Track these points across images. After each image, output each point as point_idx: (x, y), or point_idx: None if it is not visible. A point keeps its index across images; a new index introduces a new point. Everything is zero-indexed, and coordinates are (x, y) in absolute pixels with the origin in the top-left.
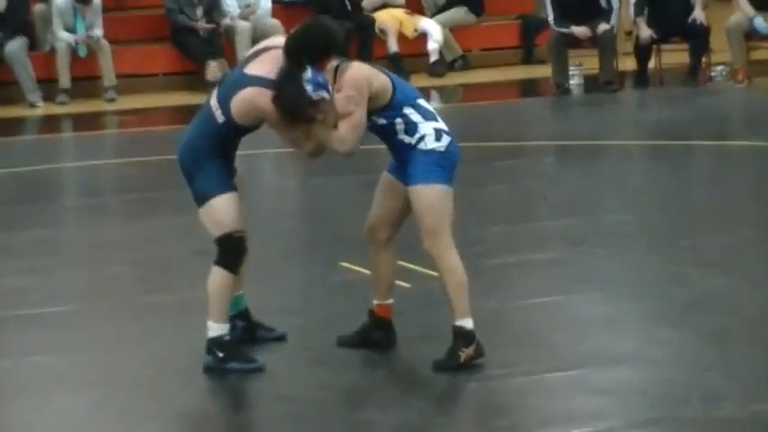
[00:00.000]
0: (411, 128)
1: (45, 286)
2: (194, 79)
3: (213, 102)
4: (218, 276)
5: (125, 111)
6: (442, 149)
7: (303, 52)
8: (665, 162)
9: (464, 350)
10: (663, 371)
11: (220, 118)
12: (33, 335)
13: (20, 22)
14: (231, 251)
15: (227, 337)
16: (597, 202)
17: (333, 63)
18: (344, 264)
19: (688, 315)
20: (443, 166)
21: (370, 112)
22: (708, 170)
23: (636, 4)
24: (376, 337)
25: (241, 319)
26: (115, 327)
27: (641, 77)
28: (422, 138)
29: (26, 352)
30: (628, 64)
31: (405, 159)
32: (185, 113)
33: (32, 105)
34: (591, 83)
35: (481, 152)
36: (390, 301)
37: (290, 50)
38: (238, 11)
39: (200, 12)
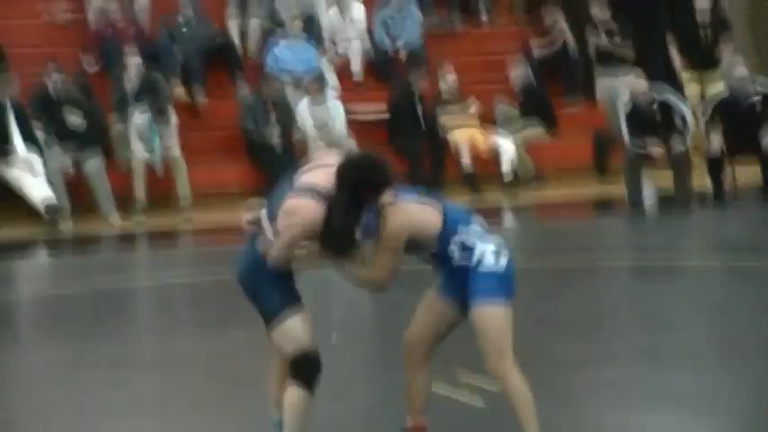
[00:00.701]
0: (468, 252)
1: (121, 400)
2: (269, 195)
3: (263, 218)
4: (294, 394)
5: (201, 227)
6: (502, 270)
7: (359, 183)
8: (741, 280)
9: None
10: None
11: (271, 233)
12: None
13: (98, 139)
14: (306, 369)
15: None
16: (672, 319)
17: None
18: None
19: None
20: (504, 285)
21: (421, 245)
22: None
23: (708, 121)
24: None
25: None
26: None
27: (716, 194)
28: (480, 260)
29: None
30: (702, 182)
31: (464, 281)
32: None
33: (110, 223)
34: (665, 201)
35: (555, 269)
36: (423, 417)
37: (346, 180)
38: (314, 130)
39: (276, 131)
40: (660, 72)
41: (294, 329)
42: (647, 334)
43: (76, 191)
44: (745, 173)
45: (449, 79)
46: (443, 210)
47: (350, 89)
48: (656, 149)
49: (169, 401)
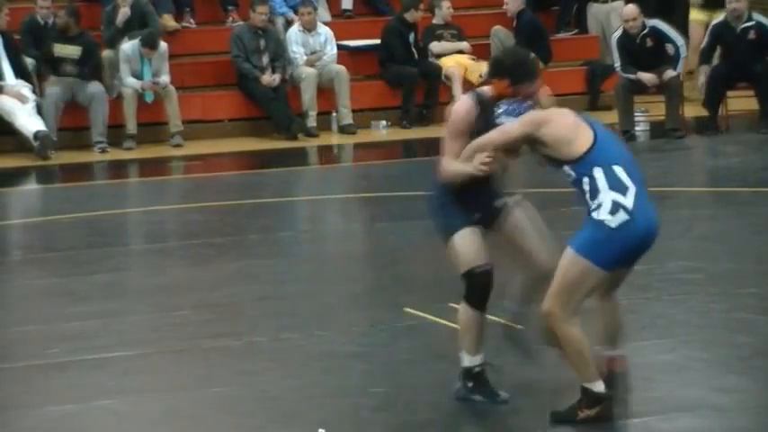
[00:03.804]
0: (593, 192)
1: (110, 330)
2: (260, 125)
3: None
4: (463, 311)
5: (191, 156)
6: (613, 226)
7: (508, 70)
8: (733, 209)
9: (585, 410)
10: (730, 419)
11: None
12: (99, 378)
13: (94, 67)
14: (474, 287)
15: (477, 369)
16: (665, 248)
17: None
18: (409, 309)
19: (755, 362)
20: (605, 244)
21: (562, 162)
22: None
23: (702, 52)
24: None
25: None
26: (180, 370)
27: (710, 123)
28: (599, 206)
29: (91, 396)
30: (694, 110)
31: (586, 218)
32: (251, 159)
33: (101, 151)
34: (657, 129)
35: (547, 198)
36: (618, 352)
37: (498, 65)
38: (305, 58)
39: (265, 59)
40: (653, 6)
41: (460, 248)
42: (639, 263)
43: (67, 121)
44: (736, 102)
45: (444, 7)
46: (596, 138)
47: (340, 18)
48: (647, 76)
49: (159, 331)
